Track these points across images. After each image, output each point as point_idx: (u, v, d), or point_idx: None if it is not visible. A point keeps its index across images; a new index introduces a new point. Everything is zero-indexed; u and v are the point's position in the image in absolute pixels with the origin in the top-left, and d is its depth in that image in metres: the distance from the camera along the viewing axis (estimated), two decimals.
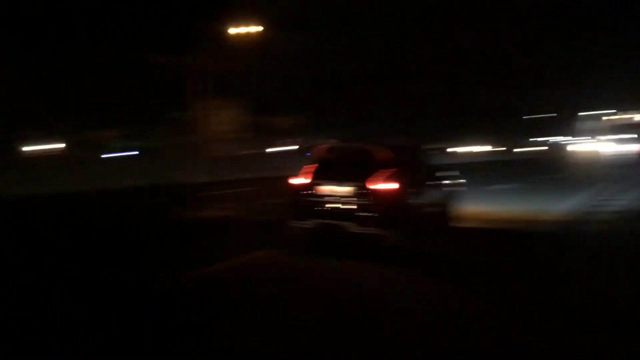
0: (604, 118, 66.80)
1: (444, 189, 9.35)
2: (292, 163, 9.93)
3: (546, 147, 67.04)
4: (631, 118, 59.89)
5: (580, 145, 57.96)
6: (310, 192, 7.94)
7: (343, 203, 7.74)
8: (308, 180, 8.01)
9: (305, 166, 8.23)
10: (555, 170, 23.67)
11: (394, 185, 7.65)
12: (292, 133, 44.14)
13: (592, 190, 14.46)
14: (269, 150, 40.38)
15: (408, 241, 7.71)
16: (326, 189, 7.87)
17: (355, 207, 7.66)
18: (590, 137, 62.70)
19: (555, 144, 70.72)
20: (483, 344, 4.49)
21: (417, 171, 8.40)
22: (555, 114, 67.41)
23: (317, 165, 8.17)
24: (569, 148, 60.47)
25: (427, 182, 8.64)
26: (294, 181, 8.13)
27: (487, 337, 4.62)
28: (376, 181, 7.65)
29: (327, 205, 7.81)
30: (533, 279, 6.33)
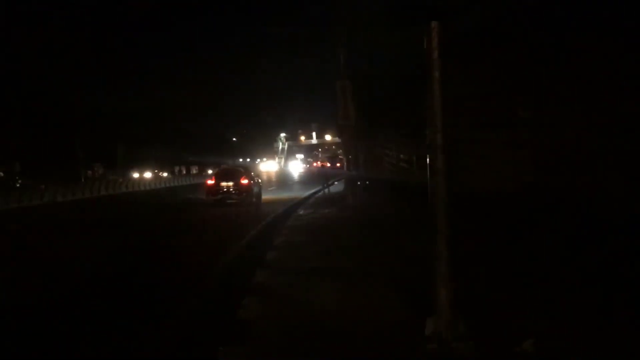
0: (301, 139, 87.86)
1: (258, 184, 23.79)
2: None
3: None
4: (309, 141, 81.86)
5: (269, 164, 77.74)
6: (217, 185, 21.65)
7: (230, 189, 21.64)
8: (215, 181, 21.72)
9: (213, 176, 21.90)
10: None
11: (247, 181, 21.84)
12: None
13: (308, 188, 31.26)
14: None
15: (249, 203, 21.86)
16: (223, 184, 21.70)
17: (234, 190, 21.61)
18: (282, 157, 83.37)
19: (256, 163, 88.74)
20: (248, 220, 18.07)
21: (251, 177, 22.65)
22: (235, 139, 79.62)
23: (218, 174, 21.96)
24: (261, 167, 79.66)
25: (255, 181, 22.94)
26: (209, 181, 21.76)
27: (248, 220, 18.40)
28: (242, 180, 21.73)
29: (224, 190, 21.62)
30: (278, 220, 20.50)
